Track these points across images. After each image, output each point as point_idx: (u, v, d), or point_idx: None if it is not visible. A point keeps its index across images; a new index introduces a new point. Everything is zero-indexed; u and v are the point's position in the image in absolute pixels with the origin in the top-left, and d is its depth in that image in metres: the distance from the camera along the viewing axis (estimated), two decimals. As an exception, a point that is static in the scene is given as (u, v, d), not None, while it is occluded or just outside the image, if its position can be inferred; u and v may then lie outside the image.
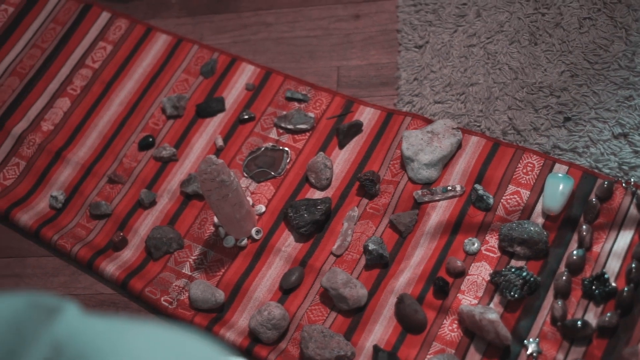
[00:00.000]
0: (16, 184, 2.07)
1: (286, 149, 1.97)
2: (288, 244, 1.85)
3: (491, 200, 1.78)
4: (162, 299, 1.83)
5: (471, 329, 1.65)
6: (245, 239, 1.87)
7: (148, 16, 2.30)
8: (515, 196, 1.78)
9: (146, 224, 1.95)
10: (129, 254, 1.92)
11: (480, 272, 1.72)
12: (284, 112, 2.02)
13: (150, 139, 2.06)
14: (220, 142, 2.01)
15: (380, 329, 1.71)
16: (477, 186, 1.79)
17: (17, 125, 2.15)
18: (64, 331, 0.90)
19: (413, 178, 1.84)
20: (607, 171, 1.78)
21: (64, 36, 2.28)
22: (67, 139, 2.12)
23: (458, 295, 1.70)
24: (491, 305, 1.68)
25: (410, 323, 1.69)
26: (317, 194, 1.90)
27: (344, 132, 1.94)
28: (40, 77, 2.23)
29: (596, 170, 1.79)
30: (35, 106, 2.18)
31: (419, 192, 1.82)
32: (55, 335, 0.89)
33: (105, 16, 2.29)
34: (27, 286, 1.94)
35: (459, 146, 1.87)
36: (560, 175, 1.76)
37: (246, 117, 2.03)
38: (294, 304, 1.78)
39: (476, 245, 1.74)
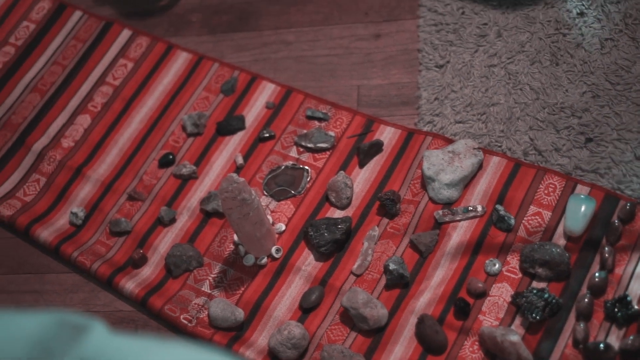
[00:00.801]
0: (36, 200, 2.07)
1: (306, 167, 1.97)
2: (308, 263, 1.85)
3: (512, 221, 1.77)
4: (182, 317, 1.82)
5: (492, 351, 1.64)
6: (265, 258, 1.87)
7: (169, 34, 2.30)
8: (537, 217, 1.77)
9: (166, 241, 1.96)
10: (149, 271, 1.92)
11: (502, 293, 1.71)
12: (305, 131, 2.02)
13: (171, 157, 2.06)
14: (240, 160, 2.01)
15: (400, 350, 1.70)
16: (498, 207, 1.78)
17: (38, 142, 2.16)
18: (91, 349, 0.90)
19: (434, 198, 1.84)
20: (630, 193, 1.78)
21: (85, 53, 2.29)
22: (87, 155, 2.12)
23: (479, 316, 1.70)
24: (512, 326, 1.67)
25: (431, 344, 1.68)
26: (338, 213, 1.90)
27: (365, 152, 1.94)
28: (61, 94, 2.24)
29: (618, 192, 1.78)
30: (55, 123, 2.19)
31: (440, 212, 1.82)
32: (83, 353, 0.89)
33: (126, 34, 2.30)
34: (46, 302, 1.94)
35: (480, 166, 1.86)
36: (582, 196, 1.75)
37: (266, 135, 2.04)
38: (313, 324, 1.77)
39: (497, 266, 1.73)
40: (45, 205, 2.07)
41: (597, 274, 1.66)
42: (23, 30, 2.37)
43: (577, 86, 1.94)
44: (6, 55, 2.33)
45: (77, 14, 2.37)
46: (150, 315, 1.88)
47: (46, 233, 2.00)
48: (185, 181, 2.03)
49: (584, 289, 1.68)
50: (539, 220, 1.76)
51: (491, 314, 1.69)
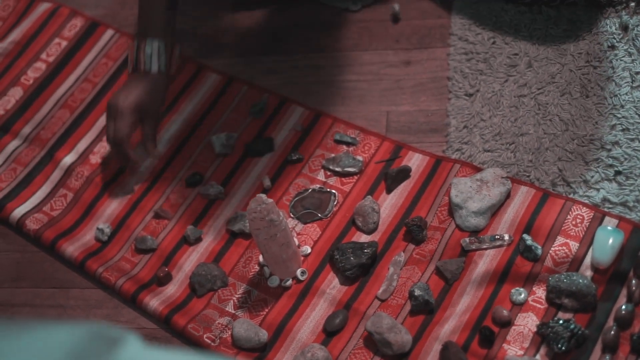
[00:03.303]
0: (63, 215, 2.09)
1: (333, 191, 1.98)
2: (333, 286, 1.85)
3: (539, 251, 1.77)
4: (205, 336, 1.82)
5: (517, 380, 1.63)
6: (290, 280, 1.87)
7: (199, 55, 2.32)
8: (564, 248, 1.77)
9: (191, 260, 1.96)
10: (173, 289, 1.93)
11: (527, 323, 1.70)
12: (332, 155, 2.03)
13: (198, 176, 2.07)
14: (267, 182, 2.02)
15: (424, 376, 1.70)
16: (526, 236, 1.78)
17: (66, 157, 2.17)
18: (125, 362, 0.91)
19: (461, 225, 1.84)
20: (658, 226, 1.77)
21: (116, 71, 2.31)
22: (115, 172, 2.13)
23: (504, 345, 1.69)
24: (537, 356, 1.66)
25: (455, 371, 1.67)
26: (364, 238, 1.90)
27: (392, 177, 1.94)
28: (90, 111, 2.25)
29: (647, 225, 1.78)
30: (84, 139, 2.20)
31: (467, 239, 1.81)
32: (118, 365, 0.90)
33: (157, 53, 2.32)
34: (70, 317, 1.95)
35: (508, 195, 1.86)
36: (609, 228, 1.75)
37: (294, 158, 2.04)
38: (337, 347, 1.77)
39: (523, 295, 1.73)
40: (71, 221, 2.08)
41: (623, 307, 1.66)
42: (55, 47, 2.39)
43: (607, 119, 1.94)
44: (37, 71, 2.35)
45: (109, 32, 2.39)
46: (173, 333, 1.88)
47: (72, 248, 2.01)
48: (212, 201, 2.04)
49: (611, 321, 1.67)
50: (566, 250, 1.76)
51: (516, 343, 1.68)
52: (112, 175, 2.12)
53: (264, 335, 1.79)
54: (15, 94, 2.32)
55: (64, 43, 2.40)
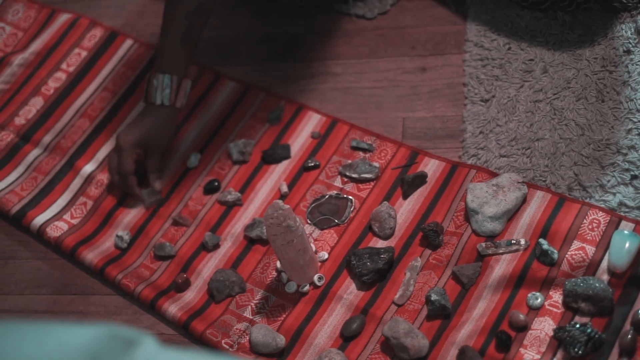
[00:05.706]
0: (83, 223, 2.11)
1: (350, 197, 1.99)
2: (350, 292, 1.86)
3: (556, 255, 1.77)
4: (223, 341, 1.84)
5: (534, 384, 1.63)
6: (308, 285, 1.88)
7: (216, 63, 2.34)
8: (581, 252, 1.77)
9: (209, 266, 1.97)
10: (192, 295, 1.94)
11: (544, 327, 1.70)
12: (349, 161, 2.04)
13: (216, 183, 2.09)
14: (284, 188, 2.03)
15: (441, 380, 1.70)
16: (542, 241, 1.78)
17: (86, 166, 2.19)
18: (141, 363, 0.91)
19: (477, 230, 1.84)
20: (675, 230, 1.77)
21: (135, 80, 2.33)
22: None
23: (520, 349, 1.69)
24: (554, 360, 1.66)
25: (471, 375, 1.68)
26: (380, 243, 1.91)
27: (409, 183, 1.95)
28: (110, 120, 2.28)
29: (663, 229, 1.78)
30: (104, 148, 2.23)
31: (483, 244, 1.82)
32: (134, 366, 0.91)
33: (175, 62, 2.34)
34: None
35: (524, 200, 1.87)
36: (626, 232, 1.74)
37: (311, 164, 2.06)
38: (354, 352, 1.78)
39: (540, 300, 1.73)
40: (91, 228, 2.10)
41: (640, 311, 1.66)
42: (75, 57, 2.42)
43: (623, 123, 1.94)
44: (58, 81, 2.38)
45: (128, 42, 2.42)
46: (192, 339, 1.89)
47: (91, 255, 2.03)
48: (230, 208, 2.05)
49: (628, 325, 1.67)
50: (583, 255, 1.76)
51: (533, 348, 1.68)
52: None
53: (281, 340, 1.80)
54: (36, 104, 2.35)
55: (84, 53, 2.42)
